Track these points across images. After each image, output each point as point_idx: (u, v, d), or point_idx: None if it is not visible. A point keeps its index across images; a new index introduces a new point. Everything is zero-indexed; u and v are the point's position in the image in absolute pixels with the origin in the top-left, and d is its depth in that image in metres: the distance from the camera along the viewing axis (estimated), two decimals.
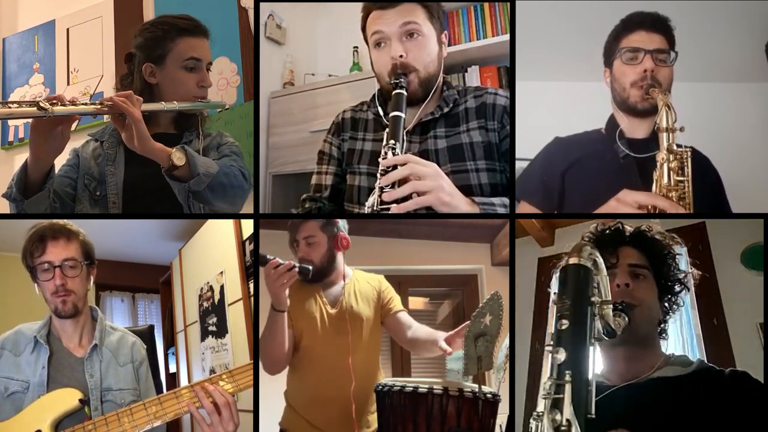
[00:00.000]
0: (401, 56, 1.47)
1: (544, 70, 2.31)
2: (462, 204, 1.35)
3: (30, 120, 1.47)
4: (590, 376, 0.83)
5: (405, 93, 1.45)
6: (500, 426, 1.67)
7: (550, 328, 0.89)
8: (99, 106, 1.49)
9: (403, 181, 1.33)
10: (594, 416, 0.81)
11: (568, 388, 0.80)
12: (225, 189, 1.56)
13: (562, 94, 2.34)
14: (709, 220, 2.24)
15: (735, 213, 1.79)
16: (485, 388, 1.39)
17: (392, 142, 1.39)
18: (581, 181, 1.68)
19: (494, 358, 1.48)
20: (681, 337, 2.23)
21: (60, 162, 1.67)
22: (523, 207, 1.76)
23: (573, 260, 0.91)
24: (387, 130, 1.43)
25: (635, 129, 1.67)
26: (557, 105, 2.32)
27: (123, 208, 1.67)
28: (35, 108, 1.41)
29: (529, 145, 1.82)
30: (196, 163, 1.50)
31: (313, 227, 1.70)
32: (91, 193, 1.69)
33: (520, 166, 1.80)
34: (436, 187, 1.31)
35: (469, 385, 1.38)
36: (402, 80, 1.46)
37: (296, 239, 1.71)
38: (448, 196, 1.32)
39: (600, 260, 0.93)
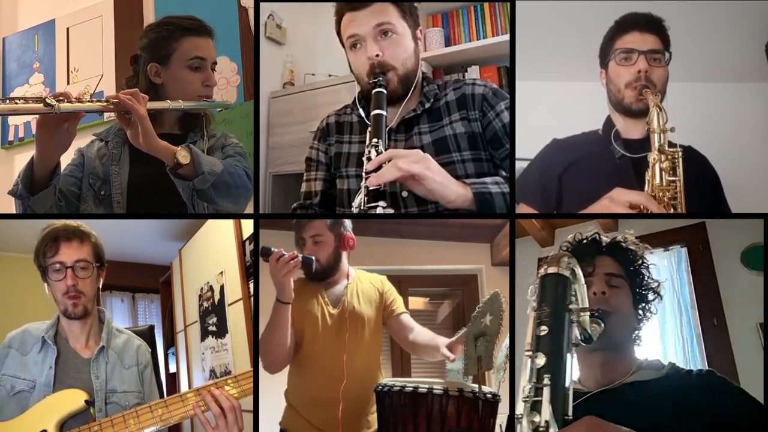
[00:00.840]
0: (377, 55, 1.48)
1: (543, 70, 2.32)
2: (453, 185, 1.34)
3: (34, 117, 1.48)
4: (568, 380, 0.87)
5: (384, 91, 1.47)
6: (500, 426, 1.67)
7: (529, 335, 0.92)
8: (105, 104, 1.49)
9: None
10: (571, 417, 0.83)
11: (546, 391, 0.84)
12: (229, 188, 1.57)
13: (562, 94, 2.35)
14: (709, 220, 2.24)
15: (735, 213, 1.79)
16: (485, 388, 1.38)
17: (375, 140, 1.40)
18: (578, 183, 1.69)
19: (494, 358, 1.48)
20: (681, 337, 2.24)
21: (65, 161, 1.68)
22: (523, 209, 1.76)
23: (552, 269, 0.95)
24: (369, 129, 1.44)
25: (631, 130, 1.67)
26: (557, 105, 2.32)
27: (127, 207, 1.68)
28: (42, 104, 1.41)
29: (528, 144, 1.82)
30: (201, 161, 1.51)
31: (321, 226, 1.69)
32: (96, 192, 1.69)
33: (519, 166, 1.80)
34: (422, 159, 1.32)
35: (469, 385, 1.38)
36: (380, 79, 1.47)
37: (302, 237, 1.71)
38: (439, 176, 1.32)
39: (578, 269, 0.97)
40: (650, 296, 1.25)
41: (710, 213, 1.90)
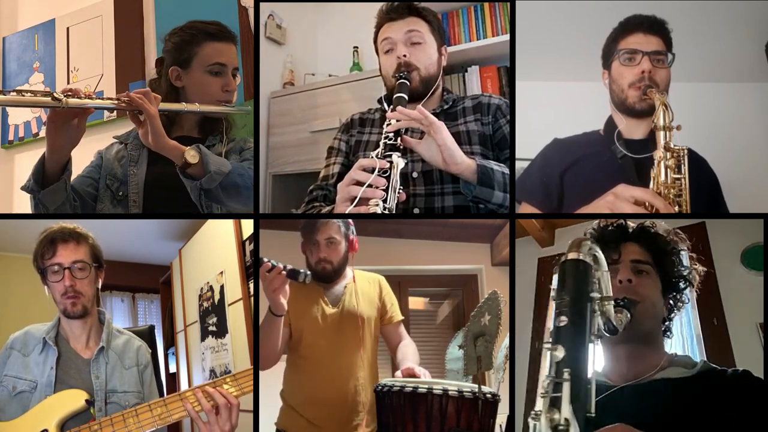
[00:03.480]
0: (405, 55, 1.63)
1: (543, 70, 2.32)
2: (461, 153, 1.45)
3: (34, 116, 1.49)
4: (590, 374, 0.82)
5: (407, 83, 1.60)
6: (500, 426, 1.67)
7: (549, 325, 0.87)
8: (116, 101, 1.52)
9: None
10: (594, 414, 0.80)
11: (566, 386, 0.78)
12: (239, 189, 1.58)
13: (562, 94, 2.35)
14: (709, 220, 2.24)
15: (735, 213, 1.79)
16: (485, 388, 1.39)
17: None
18: (580, 182, 1.69)
19: (494, 358, 1.48)
20: (681, 337, 2.24)
21: (85, 163, 1.75)
22: (524, 208, 1.76)
23: (572, 255, 0.88)
24: (391, 107, 1.54)
25: (633, 130, 1.68)
26: (557, 105, 2.32)
27: (144, 207, 1.71)
28: (49, 98, 1.43)
29: (528, 145, 1.82)
30: (209, 161, 1.53)
31: (335, 228, 1.72)
32: (114, 193, 1.73)
33: (520, 166, 1.80)
34: (441, 122, 1.44)
35: (469, 385, 1.38)
36: (405, 73, 1.61)
37: (316, 240, 1.72)
38: (450, 139, 1.44)
39: (600, 255, 0.91)
40: (681, 284, 1.20)
41: (710, 213, 1.90)
